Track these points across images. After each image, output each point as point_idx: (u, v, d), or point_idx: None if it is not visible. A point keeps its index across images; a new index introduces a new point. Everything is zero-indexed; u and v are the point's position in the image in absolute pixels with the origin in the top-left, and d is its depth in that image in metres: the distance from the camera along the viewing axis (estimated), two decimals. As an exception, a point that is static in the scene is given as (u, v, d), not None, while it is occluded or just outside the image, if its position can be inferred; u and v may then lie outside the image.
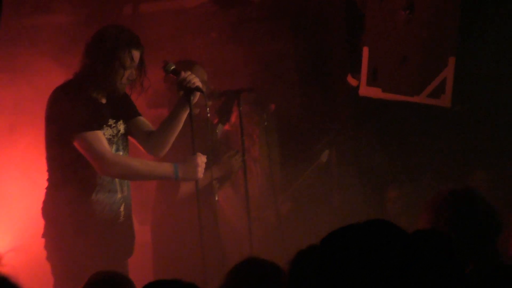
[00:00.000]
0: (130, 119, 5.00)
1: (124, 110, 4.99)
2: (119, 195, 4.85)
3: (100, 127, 4.74)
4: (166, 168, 4.76)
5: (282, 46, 6.50)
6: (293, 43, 6.55)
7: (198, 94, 4.79)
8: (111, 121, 4.86)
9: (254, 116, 6.28)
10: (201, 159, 4.77)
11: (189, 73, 4.77)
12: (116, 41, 4.69)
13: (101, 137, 4.69)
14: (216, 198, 5.43)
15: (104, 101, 4.88)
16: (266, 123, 5.85)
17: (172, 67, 4.80)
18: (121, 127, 4.94)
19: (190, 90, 4.72)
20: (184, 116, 4.84)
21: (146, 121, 5.06)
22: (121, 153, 4.89)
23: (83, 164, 4.72)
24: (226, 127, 6.03)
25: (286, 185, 6.20)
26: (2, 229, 5.27)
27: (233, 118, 5.94)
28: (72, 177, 4.76)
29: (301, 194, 6.04)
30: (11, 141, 5.80)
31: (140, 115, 5.07)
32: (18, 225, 5.45)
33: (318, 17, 6.51)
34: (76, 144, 4.67)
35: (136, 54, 4.74)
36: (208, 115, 4.95)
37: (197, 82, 4.74)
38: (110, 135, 4.83)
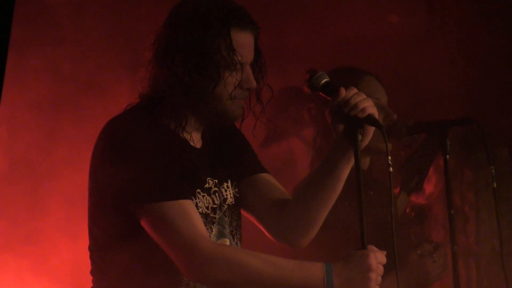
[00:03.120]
0: (245, 178, 3.39)
1: (235, 161, 3.40)
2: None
3: (189, 193, 3.14)
4: (311, 271, 3.12)
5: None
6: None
7: (371, 129, 3.19)
8: (210, 182, 3.26)
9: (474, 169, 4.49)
10: (376, 257, 3.10)
11: (354, 90, 3.19)
12: (203, 18, 3.17)
13: (191, 211, 3.12)
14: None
15: (198, 144, 3.26)
16: (495, 183, 3.71)
17: (324, 80, 3.20)
18: (229, 192, 3.32)
19: (357, 122, 3.17)
20: (346, 171, 3.25)
21: (275, 181, 3.44)
22: (227, 241, 3.31)
23: (156, 259, 3.15)
24: (417, 198, 4.36)
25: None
26: None
27: (431, 184, 4.35)
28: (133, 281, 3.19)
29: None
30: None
31: (265, 170, 3.44)
32: None
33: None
34: (144, 222, 3.10)
35: (243, 37, 3.21)
36: (391, 169, 3.14)
37: (369, 108, 3.16)
38: (207, 207, 3.22)
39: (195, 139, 3.24)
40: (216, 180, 3.25)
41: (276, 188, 3.36)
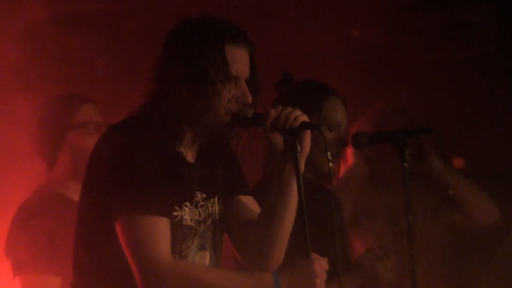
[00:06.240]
0: (230, 198, 3.37)
1: (223, 179, 3.37)
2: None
3: (168, 211, 3.12)
4: (259, 281, 3.18)
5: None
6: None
7: (307, 137, 3.15)
8: (198, 196, 3.25)
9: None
10: (320, 265, 3.12)
11: (280, 107, 3.16)
12: (200, 35, 3.16)
13: (160, 230, 3.09)
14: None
15: (192, 158, 3.26)
16: (450, 191, 3.66)
17: (251, 112, 3.20)
18: (215, 208, 3.32)
19: (294, 132, 3.12)
20: (294, 183, 3.17)
21: (253, 205, 3.38)
22: (207, 254, 3.28)
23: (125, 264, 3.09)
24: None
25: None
26: None
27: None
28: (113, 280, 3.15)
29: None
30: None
31: (249, 193, 3.39)
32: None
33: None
34: (117, 227, 3.08)
35: (238, 53, 3.19)
36: (330, 164, 3.20)
37: (300, 116, 3.14)
38: (193, 219, 3.23)
39: (190, 154, 3.22)
40: (205, 195, 3.24)
41: (251, 212, 3.32)
